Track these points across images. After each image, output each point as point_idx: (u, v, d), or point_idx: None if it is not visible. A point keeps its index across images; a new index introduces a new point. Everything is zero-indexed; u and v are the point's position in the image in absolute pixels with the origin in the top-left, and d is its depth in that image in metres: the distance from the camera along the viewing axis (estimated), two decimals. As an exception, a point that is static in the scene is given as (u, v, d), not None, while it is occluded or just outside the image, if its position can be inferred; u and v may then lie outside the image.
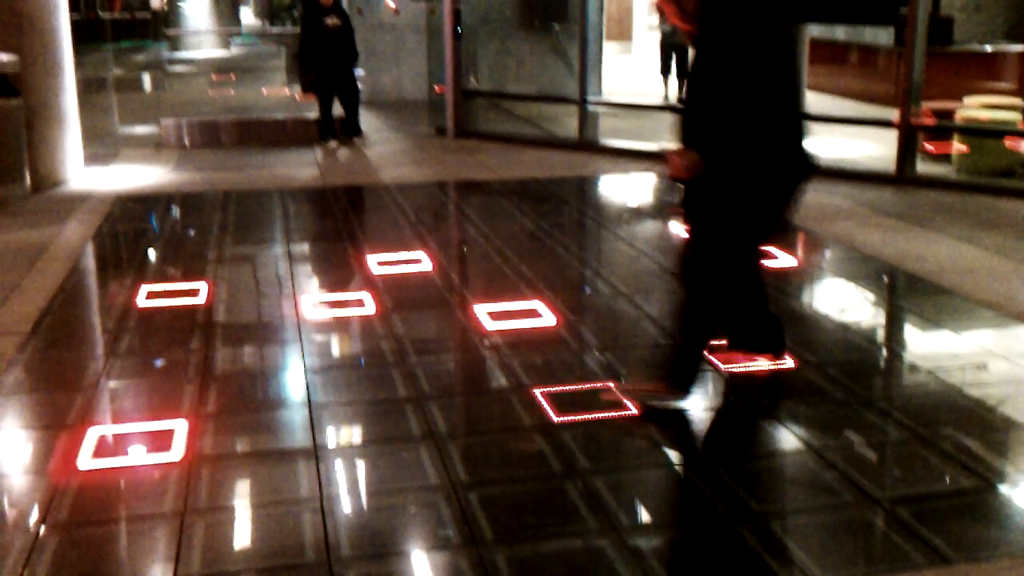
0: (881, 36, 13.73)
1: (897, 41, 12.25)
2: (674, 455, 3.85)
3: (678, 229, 7.23)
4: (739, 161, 3.93)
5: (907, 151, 8.69)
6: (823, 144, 10.10)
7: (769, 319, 4.57)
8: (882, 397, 4.40)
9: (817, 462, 3.74)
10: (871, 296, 5.90)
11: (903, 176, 8.66)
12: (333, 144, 10.63)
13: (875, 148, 9.79)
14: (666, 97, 14.47)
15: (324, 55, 10.37)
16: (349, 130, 10.82)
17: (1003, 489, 3.54)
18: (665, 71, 14.65)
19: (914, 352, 5.01)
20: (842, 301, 5.73)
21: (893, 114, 8.91)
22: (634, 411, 4.17)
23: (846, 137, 10.33)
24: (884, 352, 5.08)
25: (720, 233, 4.08)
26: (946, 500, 3.47)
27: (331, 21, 10.28)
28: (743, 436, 4.04)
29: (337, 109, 10.71)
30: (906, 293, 5.96)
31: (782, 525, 3.35)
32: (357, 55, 10.85)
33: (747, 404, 4.30)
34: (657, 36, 15.65)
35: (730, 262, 4.16)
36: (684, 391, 4.24)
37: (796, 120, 4.12)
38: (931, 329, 5.25)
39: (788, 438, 3.98)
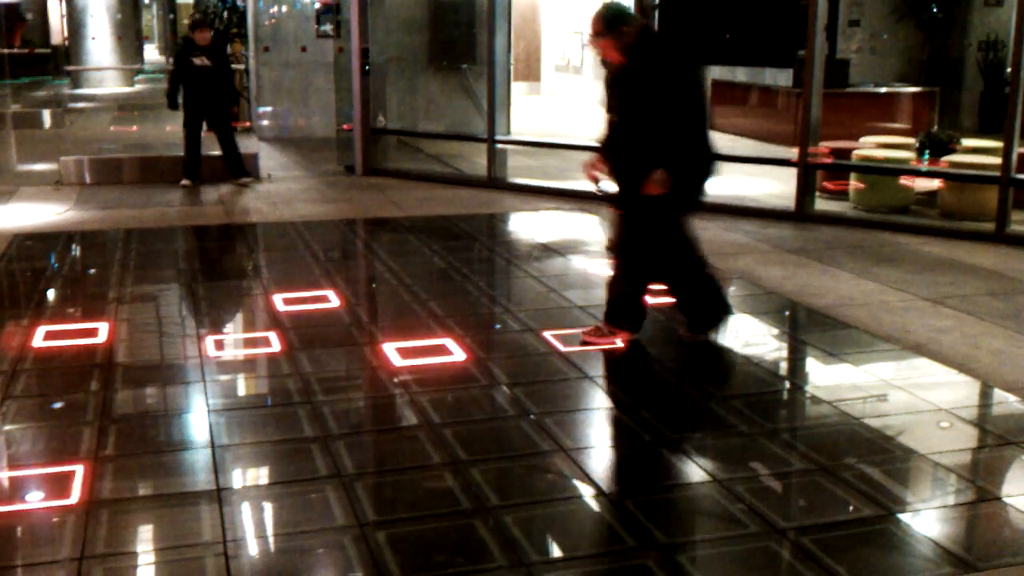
0: (780, 78, 14.10)
1: (795, 83, 12.60)
2: (584, 488, 3.86)
3: (586, 265, 7.29)
4: (686, 168, 5.03)
5: (806, 188, 8.92)
6: (725, 183, 10.31)
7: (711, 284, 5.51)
8: (786, 429, 4.48)
9: (723, 494, 3.78)
10: (773, 330, 6.02)
11: (802, 213, 8.88)
12: (186, 183, 10.37)
13: (775, 186, 10.03)
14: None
15: (192, 94, 10.25)
16: (234, 172, 10.61)
17: (904, 517, 3.62)
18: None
19: (816, 384, 5.12)
20: (745, 335, 5.83)
21: (792, 153, 9.15)
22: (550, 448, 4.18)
23: (747, 176, 10.55)
24: (787, 385, 5.18)
25: (656, 219, 5.17)
26: (849, 529, 3.54)
27: (199, 61, 10.16)
28: (650, 469, 4.07)
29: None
30: (807, 327, 6.09)
31: (689, 556, 3.38)
32: (234, 96, 10.75)
33: (654, 438, 4.33)
34: (567, 75, 16.19)
35: (661, 239, 5.26)
36: (633, 329, 5.37)
37: (707, 135, 5.20)
38: (832, 362, 5.37)
39: (694, 470, 4.03)
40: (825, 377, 5.23)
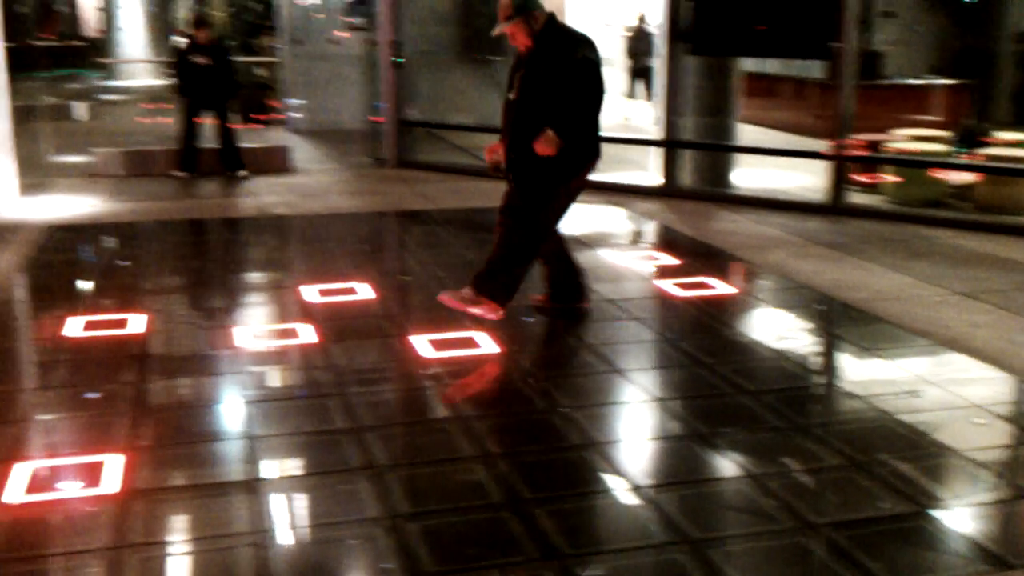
0: (813, 70, 14.00)
1: (829, 75, 12.50)
2: (615, 482, 3.86)
3: (614, 258, 7.28)
4: (575, 137, 5.24)
5: (839, 182, 8.87)
6: (757, 175, 10.27)
7: (574, 267, 5.83)
8: (818, 424, 4.46)
9: (755, 489, 3.77)
10: (806, 324, 5.99)
11: (835, 206, 8.83)
12: (182, 175, 10.47)
13: (808, 179, 9.97)
14: (627, 119, 15.98)
15: (193, 90, 10.39)
16: (229, 165, 10.66)
17: (938, 514, 3.60)
18: (631, 94, 16.61)
19: (849, 379, 5.09)
20: (777, 329, 5.81)
21: (825, 145, 9.10)
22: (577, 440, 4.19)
23: (779, 168, 10.51)
24: (820, 380, 5.16)
25: (539, 188, 5.38)
26: (882, 525, 3.52)
27: (201, 60, 10.28)
28: (682, 463, 4.06)
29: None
30: (840, 321, 6.05)
31: (721, 552, 3.37)
32: (234, 90, 10.89)
33: (686, 432, 4.33)
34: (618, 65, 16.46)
35: (541, 212, 5.44)
36: (503, 306, 5.50)
37: (597, 117, 5.41)
38: (865, 357, 5.34)
39: (726, 465, 4.02)
40: (858, 372, 5.20)
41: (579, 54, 5.25)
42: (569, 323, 5.72)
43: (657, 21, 10.42)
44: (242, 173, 10.57)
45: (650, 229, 8.59)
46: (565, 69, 5.23)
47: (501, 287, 5.49)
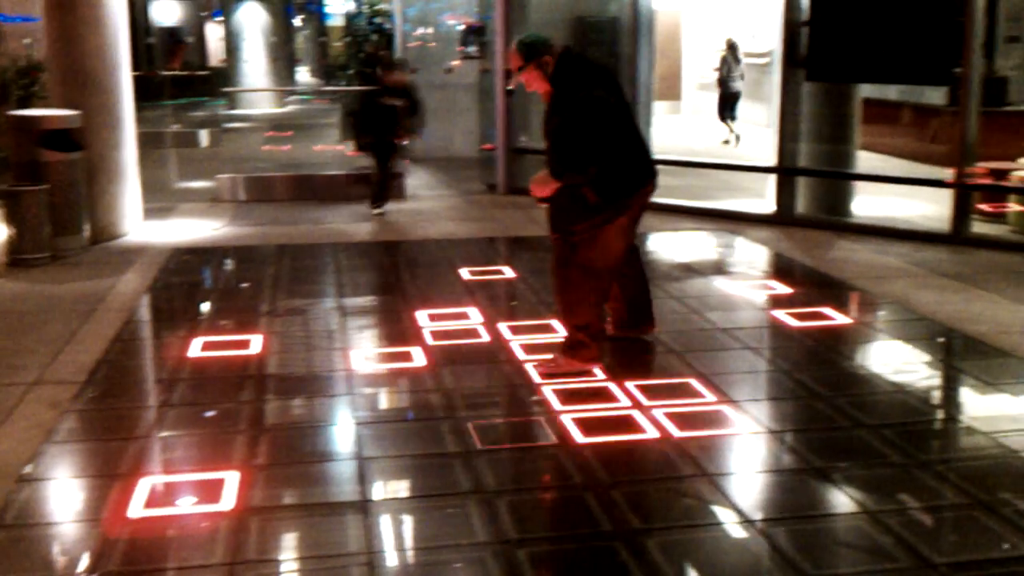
0: (935, 96, 13.66)
1: (951, 101, 12.17)
2: (727, 514, 3.79)
3: (728, 287, 7.19)
4: (597, 178, 4.98)
5: (962, 211, 8.60)
6: (876, 203, 10.03)
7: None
8: (939, 460, 4.31)
9: (872, 525, 3.66)
10: (926, 357, 5.81)
11: (958, 235, 8.57)
12: (381, 211, 10.26)
13: (929, 208, 9.71)
14: (732, 138, 16.29)
15: (378, 129, 10.08)
16: (378, 200, 10.32)
17: (1066, 557, 3.44)
18: (723, 117, 16.55)
19: (972, 415, 4.91)
20: (896, 362, 5.65)
21: (947, 174, 8.85)
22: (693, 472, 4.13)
23: (900, 197, 10.25)
24: (941, 414, 4.99)
25: (583, 229, 5.09)
26: (1005, 567, 3.38)
27: (390, 102, 9.94)
28: (796, 497, 3.97)
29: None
30: (962, 354, 5.86)
31: (837, 589, 3.28)
32: (421, 125, 10.64)
33: (800, 465, 4.23)
34: (710, 93, 16.42)
35: (592, 257, 5.14)
36: (595, 357, 5.28)
37: (637, 143, 5.23)
38: (988, 391, 5.15)
39: (842, 500, 3.91)
40: (981, 407, 5.01)
41: (587, 91, 4.96)
42: (682, 351, 5.66)
43: (771, 47, 10.29)
44: (383, 210, 10.36)
45: (764, 257, 8.46)
46: (567, 109, 4.97)
47: (581, 343, 5.26)
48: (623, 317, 5.79)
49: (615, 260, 5.26)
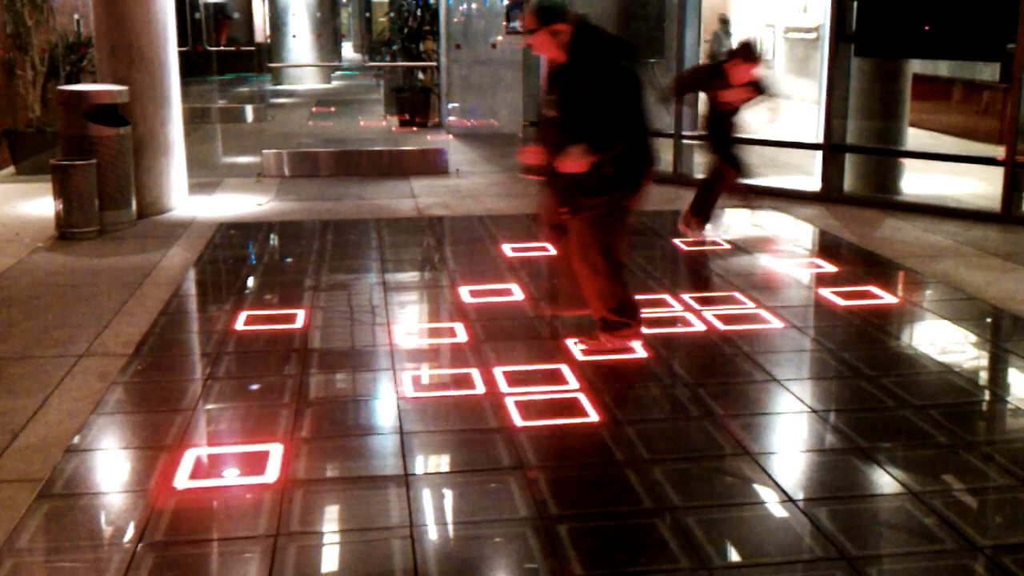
0: (986, 72, 13.41)
1: (1003, 77, 11.95)
2: (769, 494, 3.77)
3: (773, 264, 7.13)
4: (623, 152, 4.88)
5: (1013, 189, 8.45)
6: (925, 181, 9.88)
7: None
8: (985, 442, 4.26)
9: (917, 506, 3.63)
10: (974, 338, 5.73)
11: (1009, 214, 8.42)
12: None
13: (980, 186, 9.55)
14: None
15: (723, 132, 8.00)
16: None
17: (1116, 541, 3.39)
18: None
19: (1019, 396, 4.84)
20: (943, 342, 5.58)
21: (999, 151, 8.69)
22: (727, 449, 4.12)
23: (949, 175, 10.09)
24: (988, 395, 4.93)
25: (597, 209, 4.99)
26: (1054, 550, 3.34)
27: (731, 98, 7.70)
28: (840, 477, 3.94)
29: None
30: (1011, 335, 5.77)
31: (880, 570, 3.26)
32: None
33: (846, 444, 4.20)
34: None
35: (602, 238, 5.05)
36: (637, 331, 5.26)
37: (644, 124, 5.08)
38: (1038, 373, 5.07)
39: (886, 480, 3.88)
40: (1031, 389, 4.94)
41: (616, 63, 4.89)
42: (724, 331, 5.63)
43: (819, 22, 10.15)
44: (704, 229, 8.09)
45: (810, 235, 8.37)
46: (602, 80, 4.87)
47: (619, 323, 5.24)
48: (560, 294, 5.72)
49: (616, 241, 5.15)
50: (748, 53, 7.51)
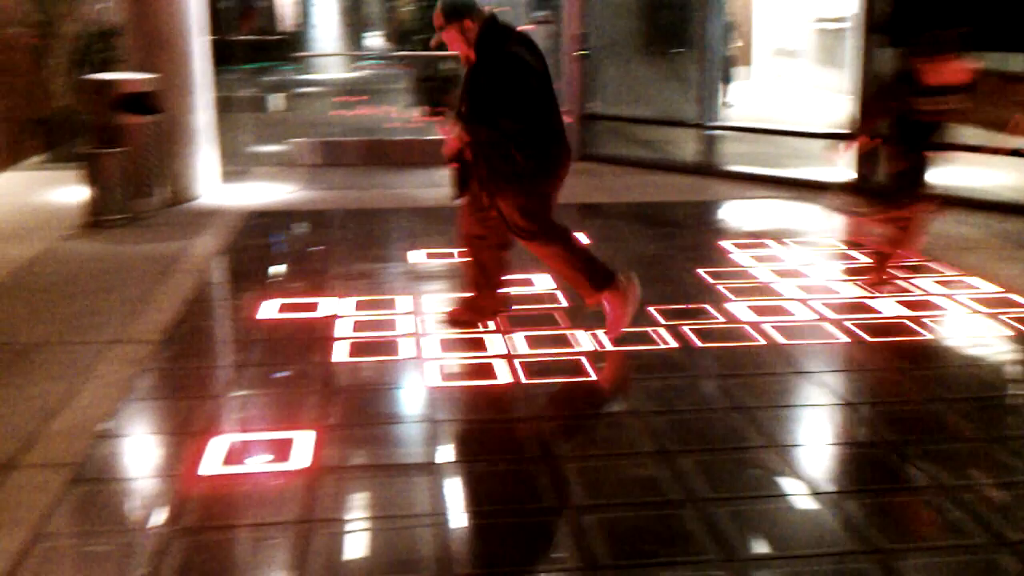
0: (1018, 63, 13.27)
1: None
2: (796, 486, 3.76)
3: (800, 255, 7.09)
4: (527, 141, 4.94)
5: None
6: (957, 172, 9.79)
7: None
8: (1016, 436, 4.23)
9: (947, 501, 3.61)
10: (1004, 331, 5.68)
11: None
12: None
13: (1012, 178, 9.46)
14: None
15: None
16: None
17: None
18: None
19: (1052, 390, 4.81)
20: (974, 335, 5.53)
21: (1031, 143, 8.60)
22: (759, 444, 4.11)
23: (981, 166, 9.99)
24: (1018, 389, 4.89)
25: (517, 195, 5.08)
26: (1086, 546, 3.31)
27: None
28: (868, 470, 3.93)
29: None
30: (1043, 329, 5.72)
31: (910, 564, 3.24)
32: None
33: (875, 437, 4.18)
34: (784, 59, 15.92)
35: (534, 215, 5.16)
36: (616, 286, 5.24)
37: (558, 116, 5.14)
38: (1070, 367, 5.03)
39: (915, 474, 3.86)
40: (1062, 383, 4.90)
41: (507, 48, 4.92)
42: (755, 321, 5.61)
43: (846, 11, 10.08)
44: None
45: (840, 226, 8.31)
46: (488, 65, 4.93)
47: (595, 277, 5.27)
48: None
49: (542, 222, 5.22)
50: (949, 44, 6.41)
